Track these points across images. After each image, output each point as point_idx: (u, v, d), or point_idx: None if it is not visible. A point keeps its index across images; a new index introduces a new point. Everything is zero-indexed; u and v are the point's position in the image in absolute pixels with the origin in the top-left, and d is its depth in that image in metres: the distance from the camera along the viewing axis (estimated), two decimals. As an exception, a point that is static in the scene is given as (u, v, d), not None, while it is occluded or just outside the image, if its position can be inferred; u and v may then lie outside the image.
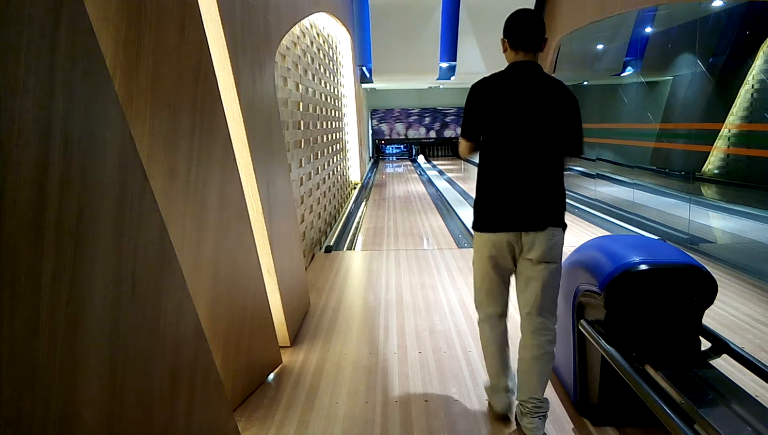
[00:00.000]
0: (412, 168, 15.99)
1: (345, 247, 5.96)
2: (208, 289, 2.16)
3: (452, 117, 19.50)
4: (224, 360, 2.29)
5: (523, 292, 2.21)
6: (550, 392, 2.57)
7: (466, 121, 2.25)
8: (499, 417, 2.35)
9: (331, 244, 5.93)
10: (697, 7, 6.33)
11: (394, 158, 19.83)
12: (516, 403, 2.29)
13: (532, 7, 10.01)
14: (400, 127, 20.05)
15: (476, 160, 2.30)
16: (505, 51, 2.19)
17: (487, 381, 2.42)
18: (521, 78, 2.13)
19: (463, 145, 2.31)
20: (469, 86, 2.25)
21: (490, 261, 2.22)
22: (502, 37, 2.19)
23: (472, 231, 2.29)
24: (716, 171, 6.34)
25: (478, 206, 2.22)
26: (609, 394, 2.23)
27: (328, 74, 7.27)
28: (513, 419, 2.33)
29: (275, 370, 2.88)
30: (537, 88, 2.11)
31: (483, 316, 2.35)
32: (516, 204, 2.12)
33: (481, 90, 2.18)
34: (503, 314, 2.33)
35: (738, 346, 1.98)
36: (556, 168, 2.16)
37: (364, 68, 11.78)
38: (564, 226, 2.18)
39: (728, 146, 6.09)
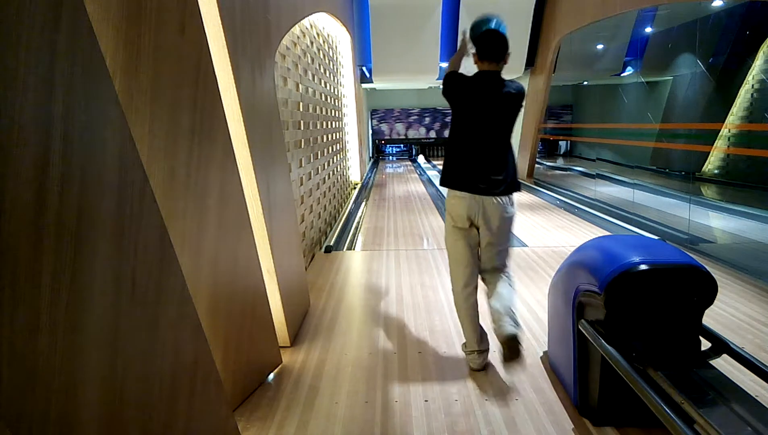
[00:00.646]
0: (412, 168, 15.99)
1: (345, 247, 5.96)
2: (208, 289, 2.16)
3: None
4: (224, 360, 2.29)
5: (484, 252, 2.77)
6: (550, 392, 2.58)
7: (447, 81, 2.82)
8: (476, 370, 2.84)
9: (331, 244, 5.93)
10: (697, 7, 6.33)
11: (394, 158, 19.82)
12: (500, 347, 2.60)
13: (533, 8, 10.04)
14: (400, 127, 20.03)
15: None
16: (475, 62, 2.76)
17: (466, 344, 2.90)
18: (486, 82, 2.70)
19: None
20: None
21: (461, 238, 2.75)
22: (471, 44, 2.75)
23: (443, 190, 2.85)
24: (716, 171, 6.34)
25: (445, 170, 2.78)
26: (609, 394, 2.23)
27: (328, 74, 7.27)
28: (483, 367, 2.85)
29: (275, 370, 2.88)
30: (497, 91, 2.68)
31: (458, 289, 2.83)
32: (473, 174, 2.68)
33: (461, 77, 2.78)
34: (475, 288, 2.82)
35: (738, 346, 1.98)
36: (506, 150, 2.74)
37: (364, 68, 11.77)
38: (516, 190, 2.76)
39: (728, 146, 6.10)
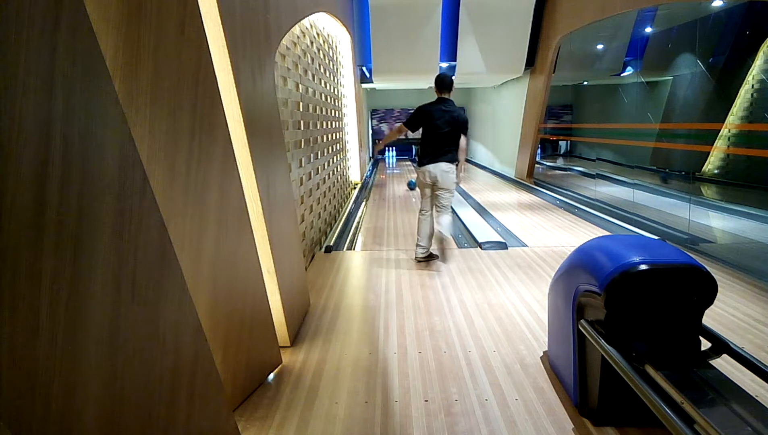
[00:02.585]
0: (413, 168, 15.98)
1: (345, 247, 5.96)
2: (208, 289, 2.16)
3: (452, 117, 19.43)
4: (224, 360, 2.29)
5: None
6: (550, 392, 2.58)
7: (412, 120, 4.89)
8: (417, 260, 5.07)
9: (331, 244, 5.93)
10: (697, 7, 6.33)
11: (395, 158, 19.79)
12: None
13: (533, 8, 10.04)
14: (400, 127, 20.00)
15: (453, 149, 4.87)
16: (435, 90, 4.89)
17: (418, 240, 5.04)
18: (442, 105, 4.81)
19: (400, 128, 4.94)
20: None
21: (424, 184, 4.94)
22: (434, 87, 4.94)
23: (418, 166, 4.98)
24: (716, 171, 6.34)
25: (420, 158, 4.93)
26: (609, 395, 2.23)
27: (328, 74, 7.27)
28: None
29: (275, 370, 2.88)
30: (448, 111, 4.79)
31: (421, 210, 5.03)
32: (429, 156, 4.81)
33: (424, 109, 4.83)
34: (431, 212, 4.99)
35: (738, 346, 1.98)
36: (455, 144, 4.83)
37: (364, 68, 11.77)
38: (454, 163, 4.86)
39: (728, 146, 6.09)
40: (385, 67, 11.18)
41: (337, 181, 8.09)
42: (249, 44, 2.77)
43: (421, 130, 4.86)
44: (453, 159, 4.78)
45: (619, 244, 2.33)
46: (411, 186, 10.11)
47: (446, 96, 4.83)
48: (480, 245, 5.60)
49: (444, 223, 4.81)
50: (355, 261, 5.32)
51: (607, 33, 9.08)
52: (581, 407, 2.39)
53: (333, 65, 7.97)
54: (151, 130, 1.73)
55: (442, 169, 4.73)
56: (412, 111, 4.96)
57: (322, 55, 6.78)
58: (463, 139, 4.86)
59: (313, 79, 5.97)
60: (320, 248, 5.80)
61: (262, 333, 2.74)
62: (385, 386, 2.69)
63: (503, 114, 14.23)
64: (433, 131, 4.74)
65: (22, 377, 0.99)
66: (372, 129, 19.73)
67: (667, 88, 7.52)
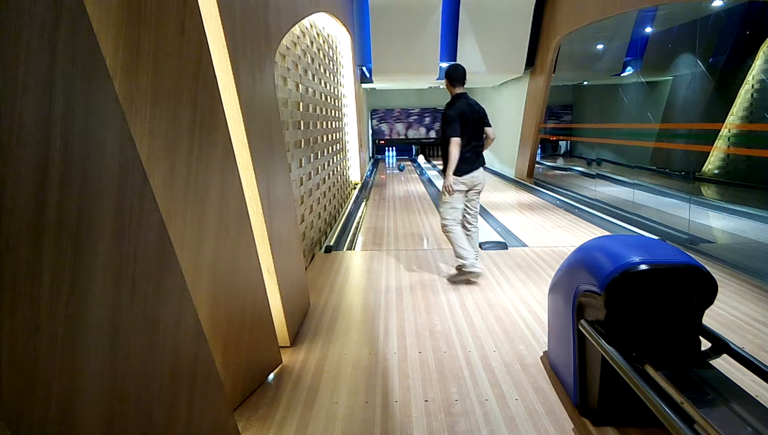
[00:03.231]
0: (412, 168, 15.98)
1: (345, 247, 5.95)
2: (208, 289, 2.16)
3: (452, 117, 19.43)
4: (224, 360, 2.29)
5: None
6: (550, 392, 2.58)
7: (457, 127, 4.22)
8: (475, 275, 4.40)
9: (331, 244, 5.93)
10: (697, 7, 6.33)
11: (395, 158, 19.77)
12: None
13: (533, 8, 10.04)
14: (400, 127, 20.03)
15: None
16: (448, 87, 4.42)
17: (464, 259, 4.34)
18: (465, 103, 4.30)
19: (457, 141, 4.21)
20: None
21: (461, 193, 4.43)
22: (445, 80, 4.47)
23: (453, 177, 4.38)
24: (716, 171, 6.34)
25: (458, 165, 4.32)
26: (609, 395, 2.23)
27: (328, 74, 7.27)
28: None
29: (275, 370, 2.88)
30: (472, 105, 4.33)
31: (452, 222, 4.44)
32: (471, 161, 4.36)
33: (458, 113, 4.24)
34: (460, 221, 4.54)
35: (738, 346, 1.98)
36: (482, 140, 4.43)
37: (364, 68, 11.77)
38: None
39: (728, 146, 6.09)
40: (385, 67, 11.18)
41: (337, 181, 8.10)
42: (249, 44, 2.77)
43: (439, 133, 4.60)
44: (483, 160, 4.56)
45: (619, 244, 2.33)
46: (401, 169, 12.13)
47: (461, 90, 4.34)
48: (480, 245, 5.60)
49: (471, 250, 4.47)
50: (355, 261, 5.32)
51: (607, 33, 9.09)
52: (581, 407, 2.39)
53: (333, 65, 7.97)
54: (151, 130, 1.73)
55: (481, 173, 4.42)
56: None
57: (322, 55, 6.78)
58: (489, 130, 4.44)
59: (313, 79, 5.97)
60: (320, 248, 5.80)
61: (262, 333, 2.74)
62: (385, 386, 2.69)
63: (503, 114, 14.23)
64: (468, 134, 4.26)
65: (22, 377, 0.99)
66: (372, 129, 19.72)
67: (667, 88, 7.52)
